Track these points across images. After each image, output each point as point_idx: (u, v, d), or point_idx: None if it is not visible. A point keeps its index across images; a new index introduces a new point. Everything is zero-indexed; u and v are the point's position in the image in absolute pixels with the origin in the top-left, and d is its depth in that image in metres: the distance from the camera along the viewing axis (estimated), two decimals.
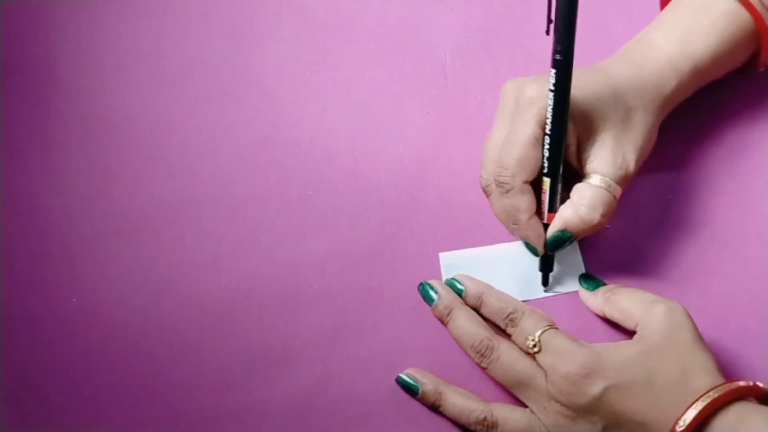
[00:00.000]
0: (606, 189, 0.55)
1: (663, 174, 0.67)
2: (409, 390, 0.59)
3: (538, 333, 0.54)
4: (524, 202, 0.56)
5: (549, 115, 0.54)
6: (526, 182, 0.56)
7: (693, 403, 0.48)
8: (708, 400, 0.47)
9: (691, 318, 0.53)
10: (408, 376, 0.59)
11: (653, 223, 0.66)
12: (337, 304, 0.64)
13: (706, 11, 0.59)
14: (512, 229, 0.59)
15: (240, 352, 0.63)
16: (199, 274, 0.65)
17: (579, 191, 0.56)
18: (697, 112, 0.67)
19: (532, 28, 0.73)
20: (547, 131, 0.55)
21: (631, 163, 0.56)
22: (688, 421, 0.47)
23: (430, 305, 0.61)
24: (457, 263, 0.63)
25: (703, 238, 0.66)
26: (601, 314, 0.59)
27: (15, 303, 0.65)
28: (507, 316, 0.57)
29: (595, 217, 0.55)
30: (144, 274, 0.65)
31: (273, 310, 0.64)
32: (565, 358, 0.52)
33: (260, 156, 0.70)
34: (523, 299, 0.61)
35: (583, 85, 0.55)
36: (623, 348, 0.52)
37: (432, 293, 0.60)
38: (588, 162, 0.57)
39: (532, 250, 0.59)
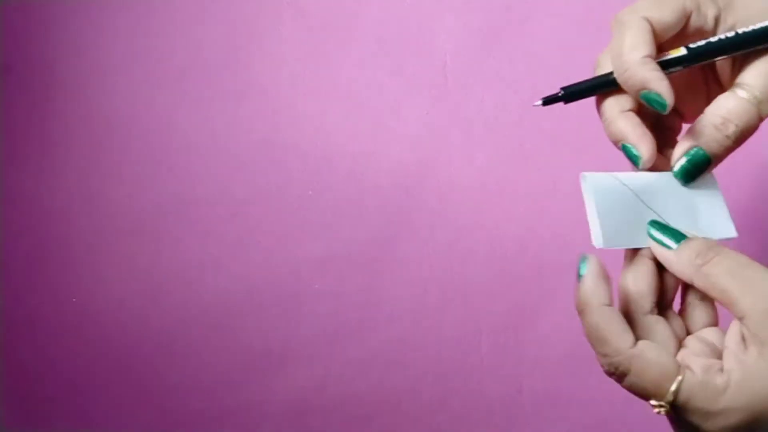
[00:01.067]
0: (750, 102, 0.43)
1: None
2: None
3: (667, 394, 0.39)
4: (641, 37, 0.43)
5: None
6: (648, 21, 0.43)
7: None
8: None
9: None
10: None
11: None
12: (337, 304, 0.64)
13: None
14: (609, 116, 0.45)
15: (240, 352, 0.63)
16: (199, 274, 0.65)
17: (717, 101, 0.44)
18: None
19: (532, 28, 0.73)
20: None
21: None
22: None
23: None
24: (608, 188, 0.45)
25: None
26: (687, 281, 0.43)
27: (15, 303, 0.65)
28: (605, 356, 0.41)
29: (731, 129, 0.42)
30: (144, 274, 0.66)
31: (273, 310, 0.64)
32: (713, 419, 0.39)
33: (260, 156, 0.70)
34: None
35: None
36: (759, 367, 0.39)
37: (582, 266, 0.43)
38: (740, 72, 0.44)
39: (634, 158, 0.44)
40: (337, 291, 0.65)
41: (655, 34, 0.43)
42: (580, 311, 0.42)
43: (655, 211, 0.46)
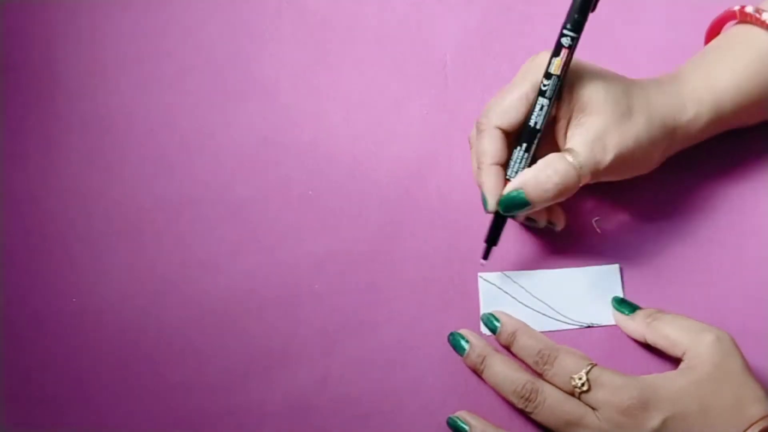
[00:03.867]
0: (573, 167, 0.54)
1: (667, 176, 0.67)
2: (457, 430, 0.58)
3: (584, 371, 0.53)
4: (491, 145, 0.56)
5: (543, 81, 0.56)
6: (499, 129, 0.56)
7: (748, 428, 0.49)
8: (763, 425, 0.49)
9: (738, 347, 0.53)
10: (458, 419, 0.58)
11: (654, 223, 0.66)
12: (337, 304, 0.64)
13: (734, 49, 0.58)
14: (475, 174, 0.59)
15: (240, 352, 0.63)
16: (199, 274, 0.65)
17: (547, 158, 0.55)
18: None
19: (532, 28, 0.73)
20: (540, 93, 0.56)
21: (607, 157, 0.54)
22: None
23: (461, 355, 0.59)
24: (496, 287, 0.63)
25: (703, 238, 0.66)
26: (641, 340, 0.58)
27: (15, 303, 0.65)
28: (541, 355, 0.56)
29: (551, 187, 0.54)
30: (144, 274, 0.65)
31: (273, 310, 0.64)
32: (621, 392, 0.51)
33: (260, 156, 0.70)
34: (572, 323, 0.60)
35: (597, 71, 0.57)
36: (676, 379, 0.52)
37: (463, 343, 0.59)
38: (568, 139, 0.56)
39: (484, 201, 0.58)
40: (337, 291, 0.65)
41: (507, 133, 0.57)
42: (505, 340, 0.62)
43: (542, 301, 0.61)
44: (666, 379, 0.52)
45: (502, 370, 0.56)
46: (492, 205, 0.57)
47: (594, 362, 0.54)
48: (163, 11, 0.74)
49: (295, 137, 0.70)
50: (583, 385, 0.52)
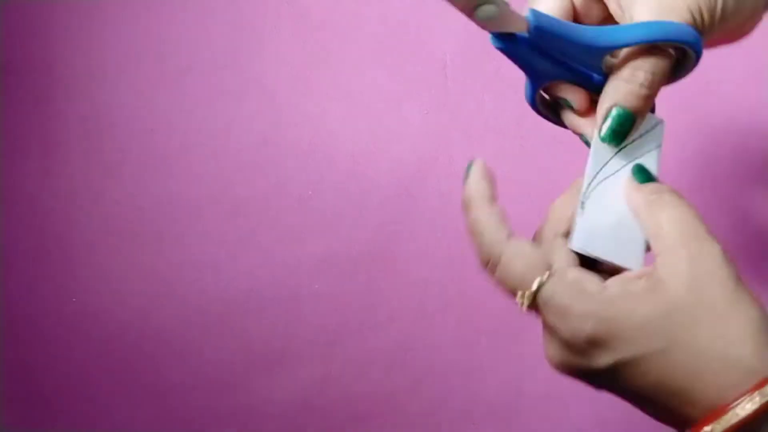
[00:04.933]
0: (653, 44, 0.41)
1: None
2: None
3: (531, 288, 0.40)
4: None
5: None
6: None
7: (747, 393, 0.35)
8: (760, 402, 0.34)
9: (729, 264, 0.38)
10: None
11: None
12: (337, 304, 0.64)
13: None
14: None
15: (240, 352, 0.63)
16: (199, 274, 0.65)
17: (619, 53, 0.42)
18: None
19: None
20: None
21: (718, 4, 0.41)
22: (741, 416, 0.34)
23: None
24: None
25: None
26: (634, 213, 0.43)
27: (15, 303, 0.65)
28: (485, 250, 0.42)
29: (641, 77, 0.41)
30: (144, 274, 0.66)
31: (273, 310, 0.64)
32: (568, 320, 0.38)
33: (260, 156, 0.70)
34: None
35: None
36: (640, 304, 0.37)
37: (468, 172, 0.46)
38: (633, 14, 0.42)
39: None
40: (337, 291, 0.65)
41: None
42: (464, 209, 0.45)
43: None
44: (628, 303, 0.38)
45: (475, 220, 0.44)
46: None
47: (550, 270, 0.40)
48: (163, 12, 0.74)
49: (294, 137, 0.70)
50: (523, 305, 0.40)
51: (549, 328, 0.41)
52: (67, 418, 0.61)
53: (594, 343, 0.39)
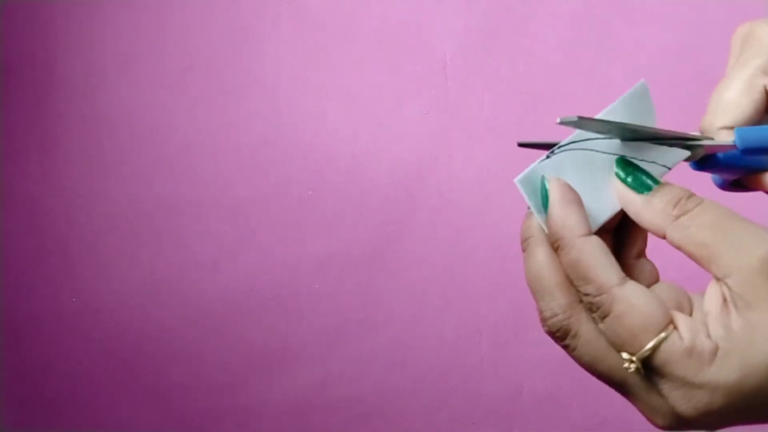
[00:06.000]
0: None
1: None
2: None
3: (642, 349, 0.33)
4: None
5: None
6: (723, 128, 0.38)
7: None
8: None
9: None
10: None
11: None
12: (337, 304, 0.64)
13: None
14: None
15: (240, 352, 0.63)
16: (199, 274, 0.65)
17: None
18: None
19: (532, 28, 0.73)
20: None
21: None
22: None
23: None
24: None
25: None
26: (656, 233, 0.35)
27: (15, 303, 0.65)
28: (592, 294, 0.34)
29: None
30: (144, 274, 0.65)
31: (273, 310, 0.64)
32: (689, 395, 0.33)
33: (260, 156, 0.70)
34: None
35: None
36: (756, 346, 0.32)
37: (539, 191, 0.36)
38: None
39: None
40: (337, 291, 0.65)
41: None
42: (558, 246, 0.34)
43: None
44: (739, 343, 0.32)
45: (536, 269, 0.35)
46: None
47: (673, 325, 0.33)
48: (163, 12, 0.74)
49: (295, 137, 0.70)
50: (635, 369, 0.33)
51: (656, 394, 0.34)
52: (67, 418, 0.61)
53: (720, 411, 0.33)
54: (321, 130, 0.71)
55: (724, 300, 0.33)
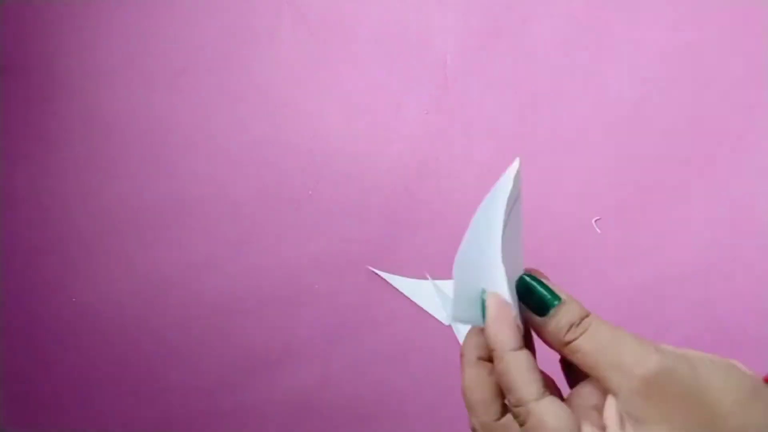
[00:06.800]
0: None
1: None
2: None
3: None
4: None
5: None
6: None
7: None
8: None
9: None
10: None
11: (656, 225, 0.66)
12: (337, 304, 0.64)
13: None
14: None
15: (240, 352, 0.63)
16: (199, 274, 0.65)
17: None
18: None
19: (532, 28, 0.73)
20: None
21: None
22: None
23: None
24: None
25: (704, 238, 0.66)
26: (557, 351, 0.40)
27: (15, 303, 0.65)
28: (512, 404, 0.38)
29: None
30: (144, 274, 0.65)
31: (273, 310, 0.64)
32: None
33: (260, 156, 0.70)
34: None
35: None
36: None
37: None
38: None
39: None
40: (337, 291, 0.65)
41: None
42: (493, 356, 0.39)
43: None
44: None
45: (464, 385, 0.41)
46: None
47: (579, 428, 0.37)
48: (163, 12, 0.74)
49: (294, 137, 0.70)
50: None
51: None
52: (66, 419, 0.61)
53: None
54: (321, 130, 0.71)
55: (620, 415, 0.37)
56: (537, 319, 0.39)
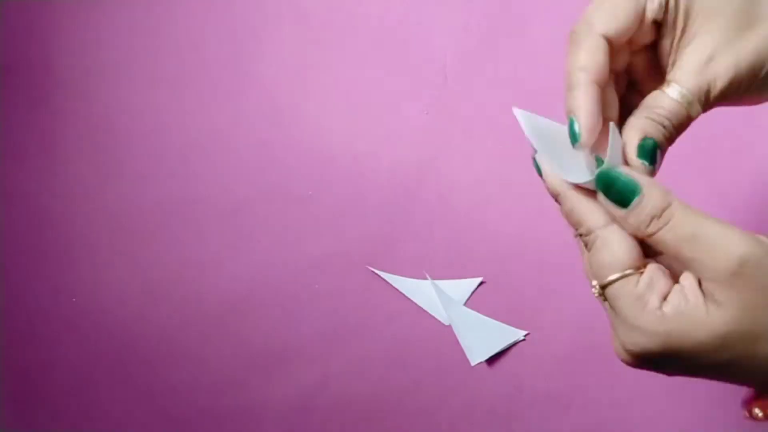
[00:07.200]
0: (680, 104, 0.42)
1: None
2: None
3: (604, 280, 0.40)
4: (593, 57, 0.42)
5: None
6: (605, 37, 0.43)
7: None
8: None
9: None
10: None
11: None
12: (337, 304, 0.64)
13: None
14: (566, 98, 0.45)
15: (240, 352, 0.63)
16: (199, 274, 0.65)
17: (653, 97, 0.43)
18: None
19: (532, 28, 0.73)
20: None
21: (719, 84, 0.42)
22: None
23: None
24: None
25: None
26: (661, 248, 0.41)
27: (15, 303, 0.65)
28: (581, 235, 0.42)
29: (666, 124, 0.42)
30: (144, 274, 0.66)
31: (273, 310, 0.64)
32: (628, 333, 0.39)
33: (260, 156, 0.70)
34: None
35: None
36: (696, 328, 0.38)
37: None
38: (674, 64, 0.44)
39: (574, 135, 0.44)
40: (337, 291, 0.65)
41: (612, 46, 0.43)
42: (557, 200, 0.43)
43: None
44: (684, 325, 0.38)
45: (571, 210, 0.42)
46: (586, 138, 0.42)
47: (630, 269, 0.39)
48: (163, 12, 0.74)
49: (295, 137, 0.70)
50: (599, 295, 0.40)
51: (612, 324, 0.41)
52: (66, 419, 0.61)
53: (648, 357, 0.39)
54: (321, 130, 0.71)
55: (700, 283, 0.38)
56: (618, 212, 0.40)
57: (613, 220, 0.40)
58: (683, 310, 0.38)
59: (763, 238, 0.38)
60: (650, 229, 0.39)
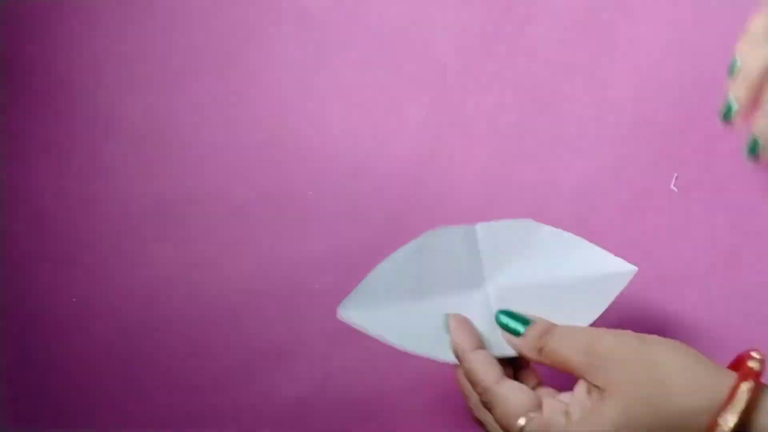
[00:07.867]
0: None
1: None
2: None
3: (516, 428, 0.45)
4: None
5: None
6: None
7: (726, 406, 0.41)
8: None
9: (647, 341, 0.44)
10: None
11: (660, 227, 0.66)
12: (337, 304, 0.64)
13: None
14: None
15: (239, 352, 0.63)
16: (199, 274, 0.65)
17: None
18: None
19: (532, 28, 0.73)
20: None
21: None
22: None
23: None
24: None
25: (703, 239, 0.66)
26: (537, 362, 0.50)
27: (15, 303, 0.65)
28: (480, 395, 0.48)
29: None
30: (144, 275, 0.65)
31: (273, 310, 0.64)
32: None
33: (260, 156, 0.70)
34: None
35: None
36: (598, 422, 0.43)
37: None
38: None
39: (729, 112, 0.56)
40: (337, 291, 0.65)
41: None
42: (460, 360, 0.49)
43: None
44: (587, 426, 0.44)
45: (469, 369, 0.49)
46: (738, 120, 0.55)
47: (537, 403, 0.46)
48: (164, 11, 0.74)
49: (295, 137, 0.70)
50: None
51: None
52: (67, 418, 0.61)
53: None
54: (321, 130, 0.71)
55: (588, 389, 0.46)
56: (516, 340, 0.49)
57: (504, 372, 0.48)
58: (585, 412, 0.44)
59: (627, 331, 0.46)
60: (540, 343, 0.48)
